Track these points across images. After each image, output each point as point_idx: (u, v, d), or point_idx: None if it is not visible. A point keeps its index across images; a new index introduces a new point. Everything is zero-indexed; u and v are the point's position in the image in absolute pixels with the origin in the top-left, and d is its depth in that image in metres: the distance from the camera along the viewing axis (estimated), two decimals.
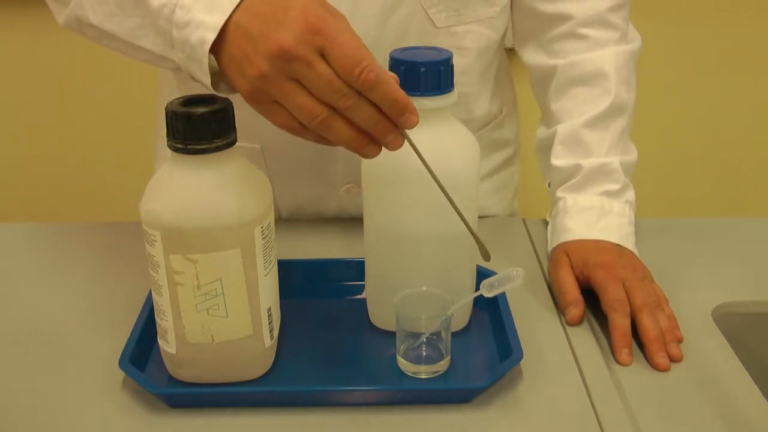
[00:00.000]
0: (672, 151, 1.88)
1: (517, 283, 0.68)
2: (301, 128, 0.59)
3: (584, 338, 0.75)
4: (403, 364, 0.69)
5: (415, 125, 0.58)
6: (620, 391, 0.68)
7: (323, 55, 0.56)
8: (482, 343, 0.73)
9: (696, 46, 1.79)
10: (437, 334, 0.68)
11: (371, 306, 0.76)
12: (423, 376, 0.68)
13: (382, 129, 0.58)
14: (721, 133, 1.88)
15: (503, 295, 0.75)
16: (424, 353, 0.69)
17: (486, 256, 0.66)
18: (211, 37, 0.60)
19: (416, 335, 0.68)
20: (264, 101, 0.59)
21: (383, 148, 0.60)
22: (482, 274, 0.72)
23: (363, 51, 0.55)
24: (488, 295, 0.69)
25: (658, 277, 0.79)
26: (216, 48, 0.60)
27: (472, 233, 0.65)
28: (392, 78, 0.57)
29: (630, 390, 0.68)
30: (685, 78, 1.82)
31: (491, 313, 0.76)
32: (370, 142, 0.59)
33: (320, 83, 0.56)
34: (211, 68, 0.62)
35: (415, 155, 0.60)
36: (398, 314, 0.68)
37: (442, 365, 0.69)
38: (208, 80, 0.62)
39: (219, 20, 0.59)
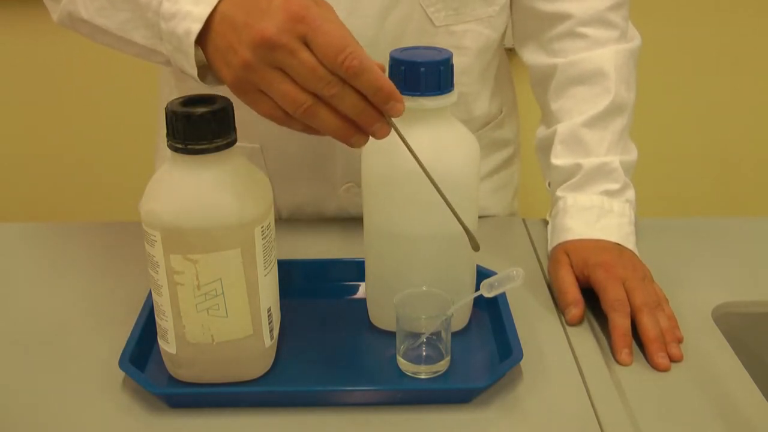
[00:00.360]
0: (672, 151, 1.88)
1: (517, 283, 0.68)
2: (286, 117, 0.59)
3: (584, 338, 0.75)
4: (403, 364, 0.69)
5: (401, 114, 0.58)
6: (620, 391, 0.68)
7: (307, 43, 0.55)
8: (482, 343, 0.73)
9: (696, 45, 1.79)
10: (437, 334, 0.68)
11: (371, 306, 0.75)
12: (423, 376, 0.68)
13: (368, 117, 0.58)
14: (721, 133, 1.88)
15: (503, 295, 0.75)
16: (424, 353, 0.69)
17: (475, 247, 0.65)
18: (197, 27, 0.60)
19: (416, 335, 0.68)
20: (249, 90, 0.58)
21: (372, 138, 0.59)
22: (482, 274, 0.72)
23: (347, 39, 0.55)
24: (488, 295, 0.69)
25: (658, 277, 0.79)
26: (202, 39, 0.61)
27: (461, 222, 0.64)
28: (377, 66, 0.56)
29: (630, 390, 0.68)
30: (684, 78, 1.82)
31: (491, 313, 0.76)
32: (356, 131, 0.59)
33: (303, 71, 0.56)
34: (199, 60, 0.62)
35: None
36: (398, 314, 0.68)
37: (442, 365, 0.69)
38: (194, 71, 0.62)
39: (205, 11, 0.60)
